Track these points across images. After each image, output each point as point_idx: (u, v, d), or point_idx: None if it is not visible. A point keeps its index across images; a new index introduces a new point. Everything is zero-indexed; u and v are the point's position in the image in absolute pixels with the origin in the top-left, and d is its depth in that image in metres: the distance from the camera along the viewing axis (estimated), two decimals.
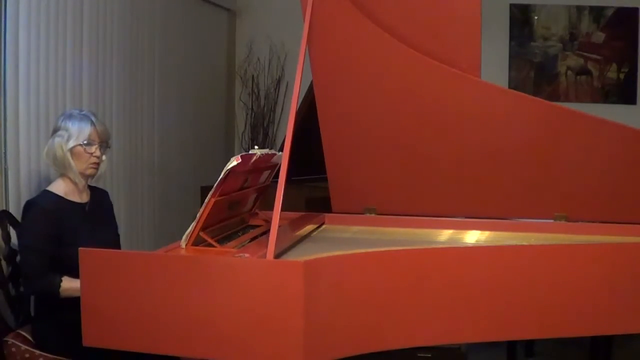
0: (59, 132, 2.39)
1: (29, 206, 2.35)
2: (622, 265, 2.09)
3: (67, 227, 2.34)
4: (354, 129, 2.64)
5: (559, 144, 2.50)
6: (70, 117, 2.42)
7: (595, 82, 4.99)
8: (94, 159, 2.42)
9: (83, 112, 2.45)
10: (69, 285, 2.25)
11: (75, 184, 2.42)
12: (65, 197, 2.40)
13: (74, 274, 2.04)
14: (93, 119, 2.43)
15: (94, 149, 2.41)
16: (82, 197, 2.47)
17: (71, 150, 2.37)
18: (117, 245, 2.60)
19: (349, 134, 2.65)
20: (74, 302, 2.06)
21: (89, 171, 2.43)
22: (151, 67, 3.89)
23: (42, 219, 2.30)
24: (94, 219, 2.48)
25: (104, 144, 2.46)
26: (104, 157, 2.47)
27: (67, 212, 2.37)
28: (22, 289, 2.49)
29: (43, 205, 2.33)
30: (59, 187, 2.41)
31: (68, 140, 2.37)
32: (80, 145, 2.38)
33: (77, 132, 2.38)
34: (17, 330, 2.40)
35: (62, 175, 2.43)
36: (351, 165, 2.71)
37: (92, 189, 2.55)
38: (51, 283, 2.26)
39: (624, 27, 4.91)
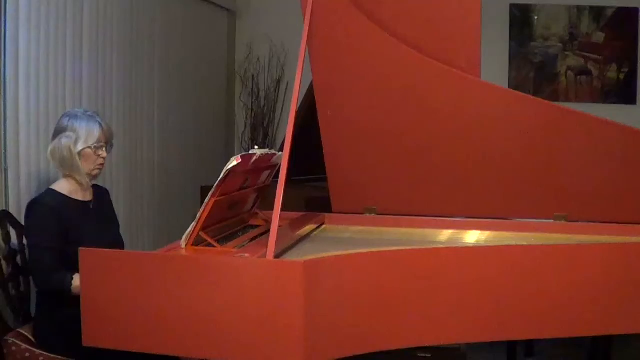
0: (66, 133, 2.35)
1: (33, 205, 2.33)
2: (622, 265, 2.09)
3: (73, 225, 2.33)
4: (353, 129, 2.64)
5: (559, 144, 2.50)
6: (76, 117, 2.38)
7: (595, 82, 4.99)
8: (100, 160, 2.41)
9: (88, 113, 2.42)
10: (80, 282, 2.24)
11: (80, 184, 2.42)
12: (69, 195, 2.40)
13: None
14: (99, 119, 2.41)
15: (101, 151, 2.41)
16: (86, 196, 2.47)
17: (79, 152, 2.35)
18: (121, 244, 2.59)
19: (349, 134, 2.65)
20: (74, 302, 2.06)
21: (96, 172, 2.43)
22: (151, 67, 3.89)
23: (48, 216, 2.29)
24: (99, 217, 2.49)
25: (109, 144, 2.47)
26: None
27: (72, 210, 2.37)
28: (22, 288, 2.50)
29: (48, 202, 2.33)
30: (63, 186, 2.40)
31: (76, 142, 2.35)
32: (89, 147, 2.36)
33: (86, 134, 2.36)
34: (17, 329, 2.40)
35: (66, 175, 2.42)
36: (351, 165, 2.71)
37: (95, 187, 2.54)
38: (63, 280, 2.25)
39: (624, 27, 4.91)
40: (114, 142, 2.53)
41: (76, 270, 2.11)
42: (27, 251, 2.44)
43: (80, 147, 2.35)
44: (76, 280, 2.24)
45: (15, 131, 2.66)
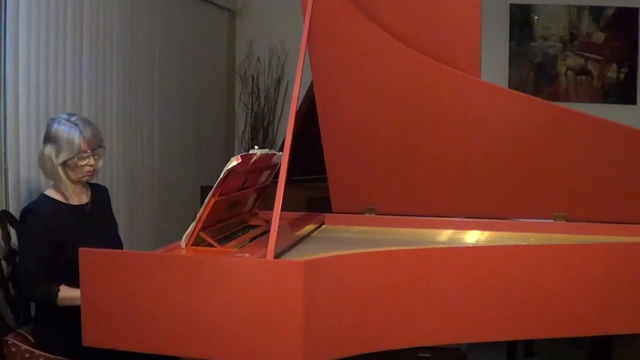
0: (49, 144, 2.30)
1: (26, 212, 2.30)
2: (622, 265, 2.09)
3: (68, 232, 2.30)
4: (354, 129, 2.64)
5: (559, 144, 2.50)
6: (59, 124, 2.30)
7: (595, 82, 4.99)
8: (87, 168, 2.34)
9: (73, 119, 2.33)
10: (66, 294, 2.23)
11: (64, 194, 2.36)
12: (63, 200, 2.37)
13: (78, 278, 1.97)
14: (81, 127, 2.31)
15: (86, 160, 2.33)
16: (82, 199, 2.44)
17: (63, 163, 2.30)
18: (119, 245, 2.56)
19: (349, 134, 2.65)
20: None
21: (85, 178, 2.39)
22: (151, 67, 3.89)
23: (40, 225, 2.26)
24: (95, 220, 2.46)
25: (100, 147, 2.38)
26: (100, 163, 2.40)
27: (66, 217, 2.34)
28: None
29: (41, 211, 2.29)
30: (57, 192, 2.37)
31: (58, 154, 2.28)
32: (71, 159, 2.30)
33: (67, 145, 2.28)
34: (17, 330, 2.40)
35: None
36: (351, 165, 2.71)
37: (92, 186, 2.52)
38: (49, 292, 2.23)
39: (624, 27, 4.91)
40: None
41: (75, 278, 2.02)
42: (17, 258, 2.43)
43: (62, 159, 2.29)
44: (63, 292, 2.23)
45: (15, 131, 2.66)
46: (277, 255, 1.93)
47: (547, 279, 2.06)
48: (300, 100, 3.20)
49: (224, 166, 2.09)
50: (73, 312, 2.03)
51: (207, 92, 4.76)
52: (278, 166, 2.52)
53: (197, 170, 4.52)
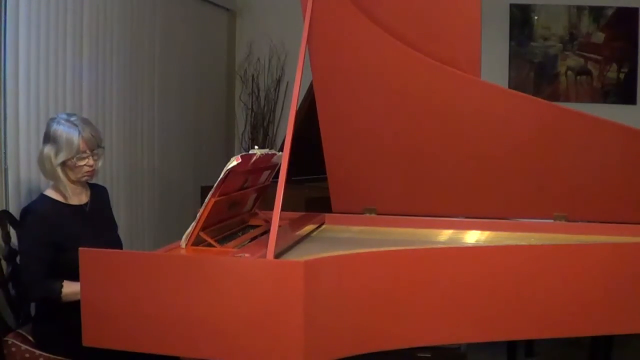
0: (48, 144, 2.30)
1: (26, 212, 2.31)
2: (622, 265, 2.09)
3: (68, 232, 2.30)
4: (354, 129, 2.64)
5: (559, 144, 2.50)
6: (58, 124, 2.31)
7: (595, 82, 4.99)
8: (87, 168, 2.35)
9: (71, 119, 2.33)
10: (69, 289, 2.23)
11: (63, 195, 2.36)
12: (63, 201, 2.37)
13: (78, 278, 1.97)
14: (80, 128, 2.31)
15: (86, 161, 2.33)
16: (81, 199, 2.44)
17: (62, 163, 2.30)
18: (119, 245, 2.56)
19: (349, 134, 2.65)
20: (74, 303, 2.06)
21: (84, 179, 2.39)
22: (151, 67, 3.89)
23: (39, 225, 2.27)
24: (95, 220, 2.46)
25: (99, 148, 2.38)
26: (100, 163, 2.40)
27: (66, 217, 2.34)
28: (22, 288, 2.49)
29: (40, 211, 2.30)
30: (56, 192, 2.37)
31: (57, 154, 2.28)
32: (70, 159, 2.30)
33: (66, 145, 2.28)
34: (18, 330, 2.40)
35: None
36: (351, 165, 2.71)
37: (92, 187, 2.52)
38: (52, 289, 2.24)
39: (624, 27, 4.91)
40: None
41: (75, 278, 2.04)
42: (18, 258, 2.43)
43: (60, 159, 2.29)
44: (66, 288, 2.24)
45: (15, 131, 2.66)
46: (277, 255, 1.93)
47: (547, 279, 2.06)
48: (300, 100, 3.20)
49: (224, 166, 2.09)
50: (73, 312, 2.03)
51: (207, 92, 4.76)
52: (278, 166, 2.52)
53: (197, 170, 4.52)
